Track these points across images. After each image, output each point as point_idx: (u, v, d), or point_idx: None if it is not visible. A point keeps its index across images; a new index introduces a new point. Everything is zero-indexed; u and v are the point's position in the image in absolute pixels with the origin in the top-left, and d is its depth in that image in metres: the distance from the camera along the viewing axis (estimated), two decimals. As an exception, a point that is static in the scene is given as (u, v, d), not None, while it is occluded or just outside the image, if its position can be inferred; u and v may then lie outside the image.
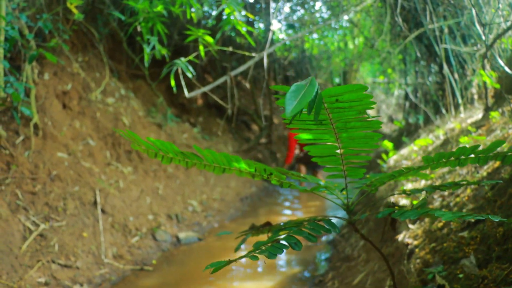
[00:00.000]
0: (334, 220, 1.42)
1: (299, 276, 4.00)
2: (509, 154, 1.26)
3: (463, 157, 1.30)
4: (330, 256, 4.42)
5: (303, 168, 7.86)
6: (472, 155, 1.30)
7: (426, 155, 2.64)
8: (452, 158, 1.32)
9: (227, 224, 5.93)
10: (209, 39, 3.91)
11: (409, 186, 3.58)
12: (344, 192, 1.47)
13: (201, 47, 3.95)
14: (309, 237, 1.23)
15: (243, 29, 4.03)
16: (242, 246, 1.78)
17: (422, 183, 3.43)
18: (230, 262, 1.14)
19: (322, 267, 4.18)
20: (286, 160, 8.34)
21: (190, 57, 3.89)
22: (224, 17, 3.96)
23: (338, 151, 1.35)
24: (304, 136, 1.28)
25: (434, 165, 1.34)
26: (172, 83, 3.93)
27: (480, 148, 1.29)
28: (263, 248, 1.17)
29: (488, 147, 1.25)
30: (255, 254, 1.15)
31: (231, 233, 1.64)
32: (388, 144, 5.52)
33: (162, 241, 4.84)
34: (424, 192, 1.46)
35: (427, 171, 3.55)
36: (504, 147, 2.51)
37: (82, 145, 4.95)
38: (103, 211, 4.54)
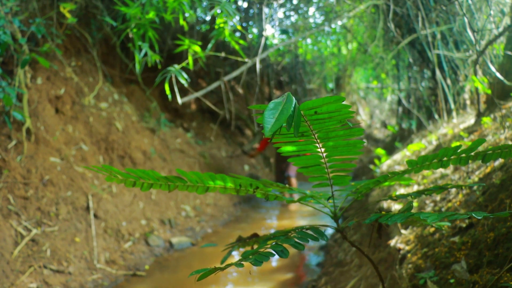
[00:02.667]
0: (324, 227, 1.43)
1: (292, 282, 4.00)
2: (489, 152, 1.28)
3: (445, 158, 1.32)
4: (323, 261, 4.42)
5: (294, 181, 7.73)
6: (454, 156, 1.32)
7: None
8: (435, 160, 1.34)
9: (220, 229, 5.92)
10: (198, 49, 3.90)
11: (401, 191, 3.60)
12: (330, 201, 1.48)
13: (190, 58, 3.95)
14: (296, 245, 1.24)
15: (235, 41, 4.03)
16: (235, 253, 1.78)
17: (415, 188, 3.44)
18: (216, 269, 1.14)
19: (315, 272, 4.18)
20: (258, 148, 8.60)
21: (183, 64, 3.90)
22: (218, 26, 3.96)
23: (322, 160, 1.36)
24: (288, 148, 1.29)
25: (418, 168, 1.36)
26: (167, 90, 3.93)
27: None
28: (250, 256, 1.18)
29: (469, 146, 1.27)
30: (241, 262, 1.16)
31: (216, 245, 1.64)
32: (380, 151, 5.54)
33: (155, 246, 4.83)
34: (410, 198, 1.47)
35: (419, 177, 3.56)
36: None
37: (75, 150, 4.93)
38: (95, 216, 4.52)
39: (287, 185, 1.52)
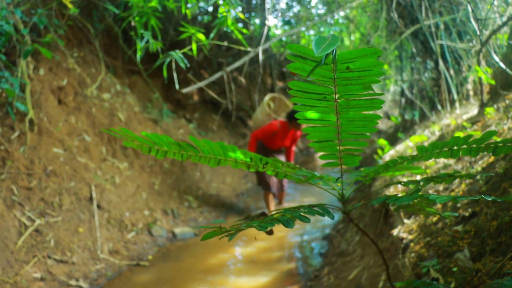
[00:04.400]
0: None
1: (294, 272, 4.01)
2: (499, 145, 1.26)
3: (456, 147, 1.30)
4: (325, 251, 4.43)
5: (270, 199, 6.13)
6: (465, 146, 1.30)
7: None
8: (446, 149, 1.32)
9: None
10: (202, 37, 3.90)
11: (404, 180, 3.59)
12: (339, 184, 1.48)
13: (193, 45, 3.94)
14: (302, 218, 1.24)
15: (238, 30, 4.02)
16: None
17: (418, 178, 3.44)
18: (222, 231, 1.15)
19: (317, 262, 4.19)
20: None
21: (185, 50, 3.89)
22: (221, 14, 3.95)
23: (336, 135, 1.34)
24: (309, 114, 1.27)
25: (427, 155, 1.34)
26: (165, 73, 3.92)
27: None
28: (256, 223, 1.18)
29: (481, 137, 1.25)
30: (247, 226, 1.16)
31: (225, 221, 1.65)
32: (383, 141, 5.53)
33: (158, 237, 4.85)
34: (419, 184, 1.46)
35: (423, 166, 3.56)
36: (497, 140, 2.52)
37: (78, 141, 4.94)
38: (99, 206, 4.53)
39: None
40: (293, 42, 11.54)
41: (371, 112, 1.26)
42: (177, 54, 3.68)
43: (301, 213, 1.26)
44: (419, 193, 1.32)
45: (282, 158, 5.91)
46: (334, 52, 0.95)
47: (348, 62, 1.08)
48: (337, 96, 1.19)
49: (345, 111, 1.25)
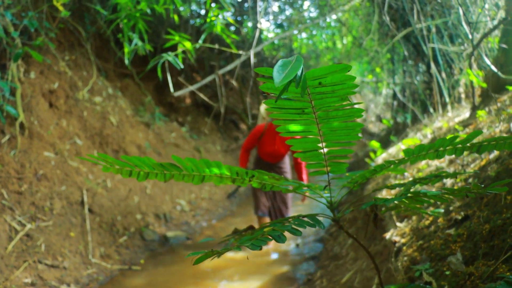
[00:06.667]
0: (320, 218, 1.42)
1: (287, 275, 4.00)
2: (484, 144, 1.28)
3: (441, 148, 1.32)
4: (318, 255, 4.42)
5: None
6: (451, 146, 1.31)
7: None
8: (431, 150, 1.33)
9: (215, 224, 5.92)
10: (188, 44, 3.86)
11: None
12: (326, 191, 1.47)
13: (179, 53, 3.91)
14: (293, 231, 1.24)
15: (227, 34, 4.01)
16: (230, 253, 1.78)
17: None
18: (213, 253, 1.14)
19: (310, 266, 4.18)
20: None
21: (178, 52, 3.87)
22: (210, 19, 3.94)
23: (320, 145, 1.35)
24: (291, 127, 1.28)
25: (414, 158, 1.35)
26: (159, 73, 3.91)
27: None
28: (247, 242, 1.18)
29: (466, 137, 1.27)
30: (238, 246, 1.15)
31: (214, 239, 1.64)
32: (375, 144, 5.54)
33: (150, 241, 4.82)
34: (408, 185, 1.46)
35: (414, 171, 3.56)
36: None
37: (69, 144, 4.91)
38: (90, 210, 4.50)
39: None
40: (285, 45, 11.57)
41: (353, 121, 1.27)
42: (170, 56, 3.66)
43: (292, 226, 1.25)
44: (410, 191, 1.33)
45: (287, 175, 4.79)
46: (300, 73, 0.94)
47: (318, 78, 1.09)
48: (315, 109, 1.20)
49: (325, 121, 1.26)
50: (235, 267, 4.16)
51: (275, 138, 4.52)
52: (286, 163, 4.82)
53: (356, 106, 1.22)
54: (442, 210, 1.52)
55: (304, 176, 4.60)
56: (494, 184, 1.24)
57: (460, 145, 1.30)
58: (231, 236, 1.64)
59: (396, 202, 1.41)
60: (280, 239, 1.18)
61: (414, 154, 1.35)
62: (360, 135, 1.31)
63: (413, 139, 4.46)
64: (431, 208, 2.53)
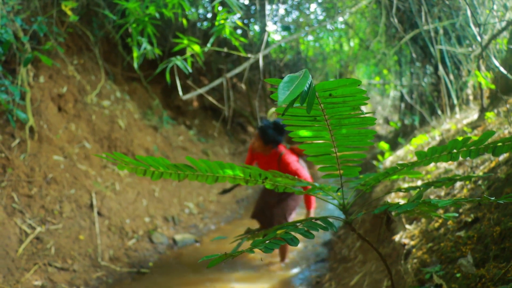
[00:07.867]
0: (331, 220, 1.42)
1: (296, 278, 4.00)
2: (499, 145, 1.26)
3: (455, 150, 1.30)
4: (327, 257, 4.42)
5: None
6: (464, 148, 1.30)
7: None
8: (445, 153, 1.32)
9: (223, 226, 5.92)
10: (197, 47, 3.86)
11: (405, 186, 3.59)
12: (339, 193, 1.47)
13: (188, 56, 3.91)
14: (306, 234, 1.24)
15: (236, 37, 4.01)
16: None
17: (419, 183, 3.43)
18: (226, 256, 1.14)
19: (319, 269, 4.17)
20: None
21: (187, 56, 3.88)
22: (219, 22, 3.94)
23: (333, 149, 1.35)
24: (302, 133, 1.28)
25: (427, 160, 1.34)
26: (168, 78, 3.91)
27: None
28: (261, 244, 1.18)
29: (479, 138, 1.25)
30: (252, 249, 1.16)
31: (226, 238, 1.64)
32: (384, 145, 5.53)
33: (158, 244, 4.83)
34: (419, 189, 1.45)
35: (423, 173, 3.55)
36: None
37: (78, 148, 4.94)
38: (99, 213, 4.52)
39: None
40: (292, 48, 11.56)
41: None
42: (179, 60, 3.67)
43: (305, 229, 1.26)
44: (421, 199, 1.32)
45: (291, 201, 4.20)
46: (308, 88, 0.94)
47: (329, 90, 1.09)
48: (327, 117, 1.21)
49: (338, 128, 1.26)
50: (243, 270, 4.16)
51: (266, 161, 4.07)
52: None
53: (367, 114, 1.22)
54: (456, 214, 1.51)
55: (311, 209, 3.95)
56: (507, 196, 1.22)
57: (473, 147, 1.28)
58: (244, 235, 1.64)
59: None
60: (293, 242, 1.19)
61: (427, 157, 1.34)
62: (375, 130, 1.31)
63: (422, 136, 4.44)
64: (441, 211, 2.53)
